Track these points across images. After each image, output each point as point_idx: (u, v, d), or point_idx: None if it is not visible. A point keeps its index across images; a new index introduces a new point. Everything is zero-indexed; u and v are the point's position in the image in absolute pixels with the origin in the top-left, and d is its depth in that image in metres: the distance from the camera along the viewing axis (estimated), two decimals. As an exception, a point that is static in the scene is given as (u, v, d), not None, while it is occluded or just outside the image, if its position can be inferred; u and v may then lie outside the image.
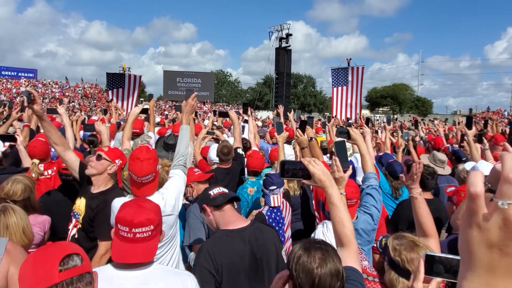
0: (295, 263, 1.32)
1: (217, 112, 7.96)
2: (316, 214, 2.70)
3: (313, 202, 2.80)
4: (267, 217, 2.74)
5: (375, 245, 2.54)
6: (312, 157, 3.08)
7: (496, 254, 0.49)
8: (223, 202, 1.97)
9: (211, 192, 2.01)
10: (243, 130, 5.79)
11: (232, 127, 5.55)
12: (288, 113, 6.52)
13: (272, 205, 2.82)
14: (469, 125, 4.03)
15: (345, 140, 2.59)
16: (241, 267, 1.85)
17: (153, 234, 1.56)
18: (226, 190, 2.06)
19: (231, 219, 1.95)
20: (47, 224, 2.54)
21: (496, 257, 0.49)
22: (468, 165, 3.73)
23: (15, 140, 3.57)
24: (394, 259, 1.56)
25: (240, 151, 4.12)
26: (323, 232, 1.95)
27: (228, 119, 7.69)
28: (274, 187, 2.80)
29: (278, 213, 2.83)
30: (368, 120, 6.92)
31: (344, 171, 1.97)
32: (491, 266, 0.50)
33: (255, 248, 1.89)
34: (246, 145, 4.64)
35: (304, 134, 3.31)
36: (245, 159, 4.02)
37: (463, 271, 0.54)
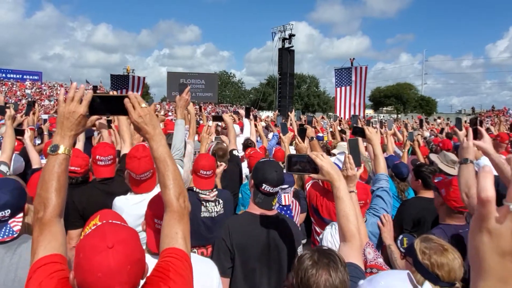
0: (301, 277, 1.27)
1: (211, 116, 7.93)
2: (312, 219, 2.74)
3: (308, 207, 2.82)
4: None
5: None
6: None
7: (509, 262, 0.46)
8: (261, 207, 1.96)
9: (265, 186, 1.93)
10: (242, 130, 5.71)
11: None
12: (289, 113, 6.56)
13: (283, 203, 2.81)
14: (459, 126, 4.46)
15: (357, 138, 2.57)
16: (254, 250, 1.93)
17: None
18: (277, 190, 1.99)
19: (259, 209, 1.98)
20: None
21: (510, 265, 0.46)
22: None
23: (23, 134, 3.60)
24: (422, 262, 1.50)
25: (235, 152, 4.14)
26: (332, 233, 1.95)
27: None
28: (286, 186, 2.78)
29: (288, 211, 2.83)
30: (368, 123, 6.92)
31: (356, 169, 1.97)
32: (504, 276, 0.47)
33: (271, 236, 1.94)
34: (250, 145, 4.55)
35: (303, 141, 3.28)
36: (246, 159, 4.01)
37: (475, 279, 0.51)
